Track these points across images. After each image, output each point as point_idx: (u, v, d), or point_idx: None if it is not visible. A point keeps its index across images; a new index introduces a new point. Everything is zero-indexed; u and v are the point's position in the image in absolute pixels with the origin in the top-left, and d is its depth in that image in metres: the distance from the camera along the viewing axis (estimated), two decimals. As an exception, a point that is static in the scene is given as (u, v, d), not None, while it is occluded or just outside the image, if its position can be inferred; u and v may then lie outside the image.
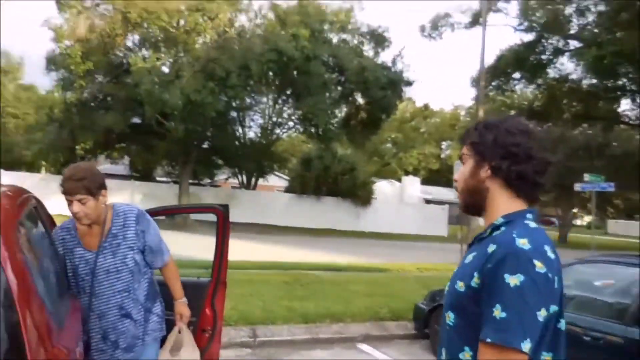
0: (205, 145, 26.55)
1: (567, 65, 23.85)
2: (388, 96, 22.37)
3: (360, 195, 28.62)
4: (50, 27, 20.87)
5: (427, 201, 39.25)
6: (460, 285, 1.38)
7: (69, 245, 2.59)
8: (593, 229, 20.05)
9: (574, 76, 23.68)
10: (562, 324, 1.35)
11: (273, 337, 5.83)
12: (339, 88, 23.62)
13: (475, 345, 1.30)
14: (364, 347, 6.09)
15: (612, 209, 37.87)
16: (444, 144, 53.11)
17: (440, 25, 23.81)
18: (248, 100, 25.49)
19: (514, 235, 1.31)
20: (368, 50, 24.76)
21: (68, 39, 20.75)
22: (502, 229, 1.39)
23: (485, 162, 1.45)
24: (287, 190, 30.81)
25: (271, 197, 28.76)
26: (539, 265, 1.26)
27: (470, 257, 1.43)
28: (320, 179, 28.11)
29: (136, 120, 23.89)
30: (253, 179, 30.48)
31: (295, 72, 21.00)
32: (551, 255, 1.31)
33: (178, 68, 19.55)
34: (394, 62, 24.19)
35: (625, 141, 27.17)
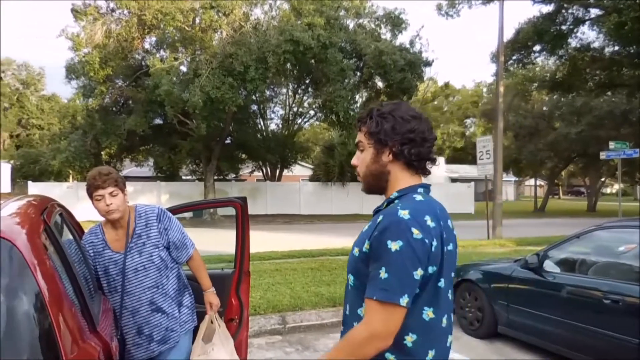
0: (227, 141, 26.79)
1: (588, 34, 23.41)
2: (408, 78, 22.19)
3: (386, 179, 28.55)
4: (68, 37, 21.18)
5: (453, 180, 39.02)
6: (356, 251, 1.60)
7: (97, 248, 2.74)
8: (620, 196, 19.74)
9: (596, 44, 23.16)
10: (442, 283, 1.54)
11: (302, 322, 5.96)
12: (358, 73, 23.52)
13: None
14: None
15: (641, 175, 37.02)
16: (468, 121, 52.48)
17: (456, 2, 23.45)
18: (267, 92, 25.64)
19: (398, 207, 1.51)
20: (385, 33, 24.56)
21: (86, 47, 21.07)
22: (396, 202, 1.58)
23: (386, 148, 1.61)
24: (312, 179, 30.98)
25: (296, 187, 28.96)
26: (416, 232, 1.45)
27: (365, 227, 1.63)
28: (344, 165, 28.18)
29: (158, 121, 24.22)
30: (277, 171, 30.72)
31: (312, 61, 20.97)
32: (431, 223, 1.49)
33: (196, 66, 19.70)
34: (412, 43, 23.97)
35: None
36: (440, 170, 40.57)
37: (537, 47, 23.96)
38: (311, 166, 34.17)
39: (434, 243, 1.48)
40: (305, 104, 28.97)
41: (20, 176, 32.97)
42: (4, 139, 47.53)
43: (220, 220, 22.49)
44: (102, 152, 26.24)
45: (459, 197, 30.14)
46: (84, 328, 1.87)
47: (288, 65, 20.77)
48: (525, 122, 31.93)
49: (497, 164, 14.85)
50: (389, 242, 1.45)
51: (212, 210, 23.09)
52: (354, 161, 1.73)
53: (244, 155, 30.43)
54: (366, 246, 1.54)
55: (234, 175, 32.29)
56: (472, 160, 39.07)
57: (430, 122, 1.66)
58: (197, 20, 20.72)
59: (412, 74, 22.55)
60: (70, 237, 2.67)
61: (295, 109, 29.62)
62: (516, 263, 5.45)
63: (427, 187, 1.64)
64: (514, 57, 24.08)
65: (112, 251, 2.73)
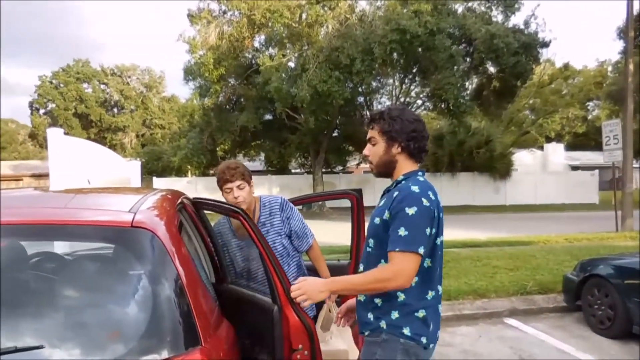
0: (335, 134, 27.06)
1: None
2: (522, 61, 20.96)
3: (498, 168, 27.42)
4: (185, 40, 22.61)
5: (574, 168, 36.44)
6: (377, 220, 2.06)
7: (225, 237, 2.95)
8: None
9: None
10: (438, 240, 2.04)
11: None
12: (468, 59, 22.64)
13: (387, 258, 1.95)
14: (511, 321, 5.91)
15: None
16: (590, 104, 48.59)
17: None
18: (374, 84, 25.48)
19: (410, 185, 2.02)
20: (497, 15, 23.32)
21: (201, 49, 22.32)
22: (402, 182, 2.08)
23: (395, 143, 2.10)
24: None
25: (404, 179, 28.61)
26: (425, 201, 1.96)
27: (382, 202, 2.12)
28: (454, 155, 27.37)
29: (268, 117, 25.04)
30: (384, 162, 30.48)
31: (420, 49, 20.48)
32: (432, 197, 2.00)
33: (303, 62, 20.07)
34: (526, 24, 22.56)
35: None
36: (558, 157, 38.02)
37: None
38: (419, 157, 33.51)
39: (436, 211, 1.99)
40: (413, 94, 28.40)
41: (146, 172, 35.69)
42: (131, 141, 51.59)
43: (328, 212, 22.82)
44: (217, 148, 27.70)
45: (581, 186, 28.16)
46: (216, 312, 1.98)
47: (395, 55, 20.47)
48: (659, 102, 28.97)
49: (626, 149, 13.70)
50: (406, 208, 1.93)
51: (320, 202, 23.48)
52: (365, 152, 2.20)
53: (351, 148, 30.57)
54: (387, 215, 2.00)
55: (342, 168, 32.60)
56: (595, 147, 36.22)
57: (425, 123, 2.16)
58: (304, 16, 21.09)
59: (527, 57, 21.30)
60: (201, 226, 2.82)
61: (402, 99, 29.18)
62: (654, 257, 4.98)
63: (423, 172, 2.16)
64: (645, 32, 21.86)
65: (238, 239, 2.91)
